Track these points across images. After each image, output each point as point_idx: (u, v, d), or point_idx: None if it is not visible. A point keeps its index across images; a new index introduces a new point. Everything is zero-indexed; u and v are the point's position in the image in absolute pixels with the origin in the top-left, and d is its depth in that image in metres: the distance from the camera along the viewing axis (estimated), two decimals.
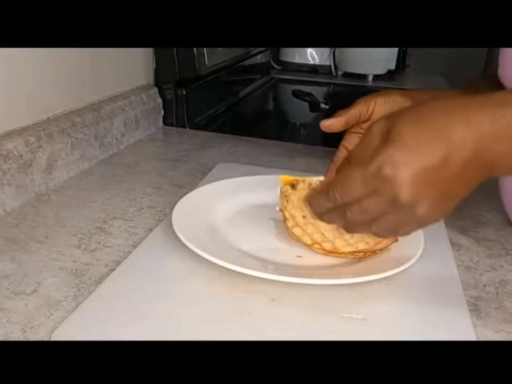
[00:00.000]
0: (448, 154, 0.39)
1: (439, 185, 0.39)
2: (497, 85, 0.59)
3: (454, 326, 0.43)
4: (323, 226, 0.49)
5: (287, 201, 0.51)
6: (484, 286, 0.50)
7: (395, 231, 0.43)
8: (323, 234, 0.50)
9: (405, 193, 0.39)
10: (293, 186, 0.51)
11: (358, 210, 0.41)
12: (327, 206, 0.43)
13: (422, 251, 0.50)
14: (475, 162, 0.39)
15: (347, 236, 0.49)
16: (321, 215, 0.45)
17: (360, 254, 0.50)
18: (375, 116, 0.55)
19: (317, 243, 0.50)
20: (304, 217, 0.50)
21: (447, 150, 0.39)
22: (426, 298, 0.46)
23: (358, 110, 0.55)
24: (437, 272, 0.50)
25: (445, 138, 0.39)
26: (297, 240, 0.52)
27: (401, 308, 0.45)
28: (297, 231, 0.51)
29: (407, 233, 0.43)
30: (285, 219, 0.52)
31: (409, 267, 0.48)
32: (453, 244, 0.57)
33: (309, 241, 0.50)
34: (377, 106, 0.55)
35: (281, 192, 0.52)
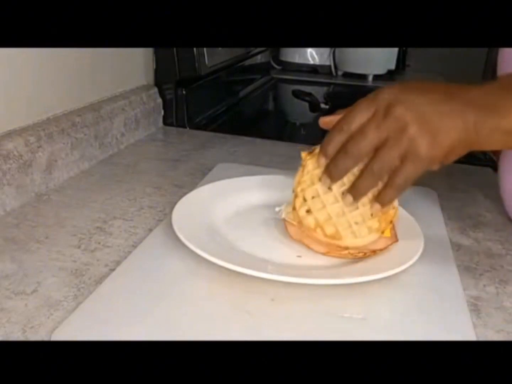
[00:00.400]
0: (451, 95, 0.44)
1: (434, 112, 0.43)
2: None
3: (454, 326, 0.43)
4: (330, 204, 0.50)
5: (303, 170, 0.52)
6: (484, 286, 0.50)
7: (394, 167, 0.44)
8: (329, 214, 0.50)
9: (398, 108, 0.43)
10: (310, 152, 0.52)
11: (360, 137, 0.45)
12: (336, 141, 0.47)
13: (422, 251, 0.50)
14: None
15: (351, 220, 0.49)
16: (332, 160, 0.48)
17: (360, 254, 0.50)
18: None
19: (320, 226, 0.50)
20: (313, 197, 0.50)
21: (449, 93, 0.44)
22: (426, 298, 0.46)
23: None
24: (437, 272, 0.50)
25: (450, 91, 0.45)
26: (297, 240, 0.52)
27: (401, 308, 0.45)
28: (302, 212, 0.50)
29: (407, 174, 0.44)
30: (295, 197, 0.51)
31: (409, 267, 0.48)
32: (453, 244, 0.57)
33: (312, 224, 0.50)
34: None
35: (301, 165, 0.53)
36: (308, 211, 0.50)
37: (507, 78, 0.48)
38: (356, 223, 0.49)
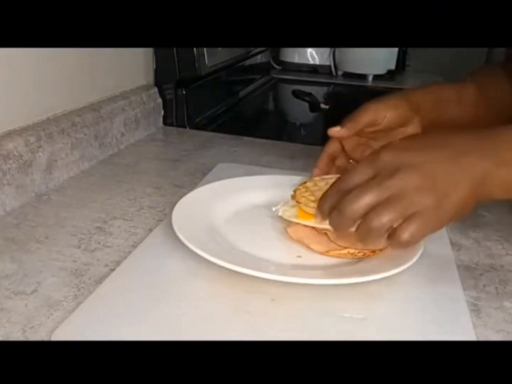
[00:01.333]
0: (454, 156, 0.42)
1: (436, 177, 0.41)
2: (498, 78, 0.60)
3: (454, 326, 0.43)
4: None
5: (302, 186, 0.52)
6: (484, 286, 0.50)
7: (390, 225, 0.41)
8: None
9: (403, 172, 0.41)
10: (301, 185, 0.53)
11: (356, 197, 0.41)
12: (332, 200, 0.44)
13: (422, 251, 0.50)
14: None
15: None
16: (327, 212, 0.45)
17: (360, 254, 0.50)
18: (383, 125, 0.57)
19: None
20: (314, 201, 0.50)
21: (453, 152, 0.42)
22: (426, 298, 0.46)
23: (368, 119, 0.57)
24: (437, 272, 0.50)
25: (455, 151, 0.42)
26: (296, 240, 0.52)
27: (401, 308, 0.45)
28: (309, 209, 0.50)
29: (412, 233, 0.41)
30: (296, 198, 0.51)
31: (409, 267, 0.48)
32: (453, 244, 0.57)
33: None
34: (387, 119, 0.57)
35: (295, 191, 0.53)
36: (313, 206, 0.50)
37: None
38: None
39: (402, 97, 0.59)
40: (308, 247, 0.51)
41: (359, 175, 0.43)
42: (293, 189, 0.53)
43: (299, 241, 0.52)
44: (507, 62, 0.64)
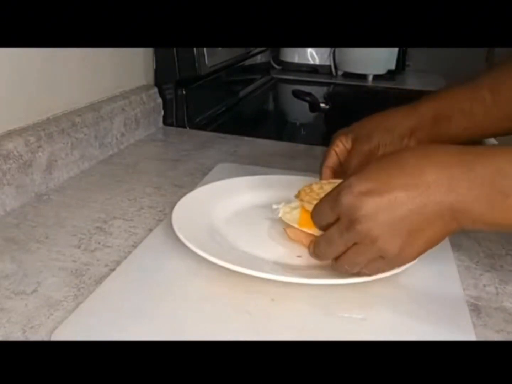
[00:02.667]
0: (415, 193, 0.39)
1: (399, 218, 0.40)
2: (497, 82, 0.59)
3: (454, 326, 0.43)
4: None
5: (307, 187, 0.52)
6: (484, 286, 0.50)
7: (360, 265, 0.43)
8: None
9: (362, 225, 0.40)
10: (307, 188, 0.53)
11: (327, 244, 0.44)
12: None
13: None
14: (443, 206, 0.39)
15: None
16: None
17: None
18: (352, 152, 0.57)
19: None
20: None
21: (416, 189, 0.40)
22: (426, 298, 0.46)
23: (334, 154, 0.58)
24: (437, 272, 0.50)
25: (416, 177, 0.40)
26: (296, 241, 0.52)
27: (401, 308, 0.45)
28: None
29: (375, 269, 0.44)
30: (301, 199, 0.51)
31: (409, 267, 0.48)
32: (453, 244, 0.57)
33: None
34: (348, 145, 0.58)
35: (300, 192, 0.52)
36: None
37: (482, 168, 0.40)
38: None
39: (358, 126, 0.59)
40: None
41: (324, 219, 0.44)
42: (298, 190, 0.53)
43: (299, 242, 0.52)
44: None
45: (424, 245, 0.41)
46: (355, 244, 0.42)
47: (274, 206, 0.54)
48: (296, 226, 0.51)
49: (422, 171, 0.40)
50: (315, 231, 0.48)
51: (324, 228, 0.44)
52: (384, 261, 0.42)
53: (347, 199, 0.41)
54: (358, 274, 0.44)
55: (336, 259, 0.44)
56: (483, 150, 0.41)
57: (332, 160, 0.59)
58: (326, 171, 0.58)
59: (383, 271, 0.44)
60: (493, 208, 0.38)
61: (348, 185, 0.42)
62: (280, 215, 0.53)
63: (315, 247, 0.45)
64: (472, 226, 0.41)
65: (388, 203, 0.39)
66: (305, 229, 0.50)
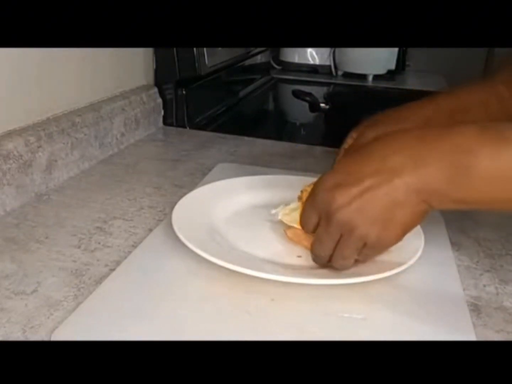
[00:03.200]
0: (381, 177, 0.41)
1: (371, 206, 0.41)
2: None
3: (454, 326, 0.43)
4: None
5: (309, 187, 0.51)
6: (484, 286, 0.50)
7: (351, 256, 0.45)
8: None
9: (338, 216, 0.42)
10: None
11: (318, 245, 0.46)
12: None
13: (422, 251, 0.50)
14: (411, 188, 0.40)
15: None
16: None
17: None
18: (358, 139, 0.57)
19: None
20: None
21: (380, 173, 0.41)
22: (426, 298, 0.46)
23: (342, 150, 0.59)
24: (437, 272, 0.50)
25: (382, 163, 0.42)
26: (296, 242, 0.52)
27: (401, 308, 0.45)
28: None
29: (366, 256, 0.46)
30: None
31: (409, 267, 0.48)
32: (453, 244, 0.57)
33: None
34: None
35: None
36: None
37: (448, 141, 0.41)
38: None
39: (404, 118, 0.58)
40: (308, 249, 0.51)
41: (310, 222, 0.46)
42: (301, 189, 0.53)
43: (299, 243, 0.52)
44: None
45: (400, 227, 0.43)
46: (340, 237, 0.43)
47: (273, 211, 0.54)
48: (296, 226, 0.51)
49: (387, 156, 0.42)
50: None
51: (313, 231, 0.46)
52: (369, 247, 0.44)
53: (321, 196, 0.43)
54: (355, 265, 0.46)
55: (330, 258, 0.46)
56: (443, 129, 0.42)
57: (350, 142, 0.59)
58: (341, 152, 0.59)
59: (372, 257, 0.46)
60: (456, 184, 0.40)
61: (320, 183, 0.44)
62: (279, 217, 0.53)
63: (311, 252, 0.47)
64: (441, 205, 0.42)
65: (358, 191, 0.41)
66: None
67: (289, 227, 0.53)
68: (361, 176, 0.42)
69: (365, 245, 0.43)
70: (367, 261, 0.46)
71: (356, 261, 0.46)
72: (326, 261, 0.46)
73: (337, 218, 0.42)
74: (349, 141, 0.59)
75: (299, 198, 0.52)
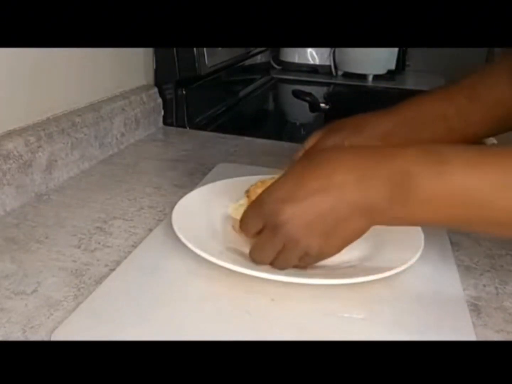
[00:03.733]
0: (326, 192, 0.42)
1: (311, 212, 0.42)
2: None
3: (454, 326, 0.43)
4: None
5: (261, 182, 0.54)
6: (484, 286, 0.50)
7: (293, 262, 0.45)
8: None
9: (284, 228, 0.43)
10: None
11: (258, 251, 0.46)
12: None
13: (422, 251, 0.50)
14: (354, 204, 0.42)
15: None
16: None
17: None
18: (317, 144, 0.60)
19: None
20: None
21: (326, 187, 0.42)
22: (426, 298, 0.46)
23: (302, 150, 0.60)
24: (437, 272, 0.50)
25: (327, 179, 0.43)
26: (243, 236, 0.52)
27: (401, 308, 0.45)
28: None
29: (307, 263, 0.46)
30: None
31: (409, 267, 0.48)
32: (453, 244, 0.57)
33: None
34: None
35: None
36: None
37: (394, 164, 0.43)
38: None
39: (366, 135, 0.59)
40: None
41: (253, 227, 0.46)
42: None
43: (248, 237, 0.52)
44: (505, 62, 0.62)
45: (342, 240, 0.44)
46: (284, 246, 0.44)
47: (229, 205, 0.54)
48: None
49: (333, 173, 0.43)
50: None
51: (254, 235, 0.47)
52: (310, 257, 0.45)
53: (268, 207, 0.44)
54: (297, 267, 0.46)
55: (272, 262, 0.46)
56: (390, 151, 0.44)
57: (299, 155, 0.60)
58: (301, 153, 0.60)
59: (313, 263, 0.47)
60: (396, 204, 0.41)
61: (268, 194, 0.45)
62: (230, 212, 0.54)
63: (250, 255, 0.47)
64: (384, 222, 0.44)
65: (303, 207, 0.43)
66: None
67: (238, 221, 0.53)
68: (307, 192, 0.43)
69: (306, 254, 0.44)
70: (307, 268, 0.47)
71: (296, 266, 0.46)
72: (265, 264, 0.47)
73: (283, 231, 0.43)
74: (310, 142, 0.60)
75: (246, 193, 0.53)
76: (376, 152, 0.44)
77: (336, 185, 0.42)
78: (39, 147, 0.63)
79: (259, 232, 0.46)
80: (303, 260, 0.45)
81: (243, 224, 0.47)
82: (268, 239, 0.45)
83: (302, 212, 0.43)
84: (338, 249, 0.45)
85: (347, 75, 1.70)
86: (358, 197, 0.42)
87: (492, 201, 0.39)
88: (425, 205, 0.41)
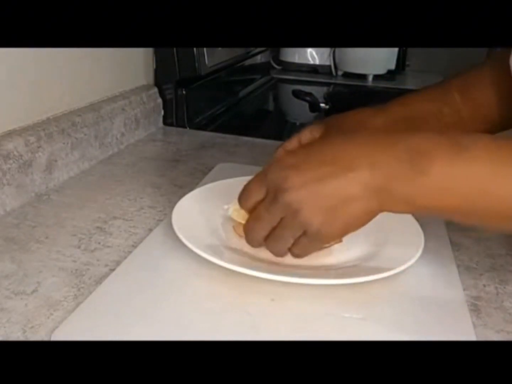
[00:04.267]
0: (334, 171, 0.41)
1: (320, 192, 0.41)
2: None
3: (454, 326, 0.43)
4: None
5: None
6: (484, 286, 0.50)
7: (288, 240, 0.44)
8: None
9: (286, 195, 0.41)
10: None
11: (255, 223, 0.44)
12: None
13: (422, 251, 0.50)
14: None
15: None
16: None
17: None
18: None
19: None
20: None
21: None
22: (426, 298, 0.46)
23: (296, 141, 0.60)
24: (437, 272, 0.50)
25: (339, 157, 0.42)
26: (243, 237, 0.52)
27: (401, 308, 0.45)
28: None
29: (303, 247, 0.44)
30: None
31: (409, 267, 0.48)
32: (453, 244, 0.57)
33: None
34: (317, 135, 0.58)
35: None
36: None
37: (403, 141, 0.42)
38: None
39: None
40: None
41: (253, 197, 0.44)
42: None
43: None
44: (492, 62, 0.62)
45: (343, 223, 0.42)
46: (281, 220, 0.42)
47: (225, 207, 0.54)
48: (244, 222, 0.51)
49: (347, 151, 0.42)
50: None
51: (250, 210, 0.45)
52: (307, 238, 0.43)
53: (275, 172, 0.42)
54: (292, 253, 0.45)
55: (266, 238, 0.44)
56: (405, 132, 0.42)
57: (292, 145, 0.58)
58: (281, 152, 0.58)
59: (309, 250, 0.45)
60: (411, 186, 0.40)
61: (277, 161, 0.43)
62: (229, 213, 0.53)
63: (244, 228, 0.46)
64: (393, 207, 0.42)
65: (314, 177, 0.41)
66: None
67: (239, 223, 0.52)
68: (320, 163, 0.41)
69: (304, 233, 0.42)
70: (301, 256, 0.45)
71: (290, 251, 0.45)
72: (260, 243, 0.45)
73: (286, 198, 0.41)
74: (293, 142, 0.59)
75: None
76: (391, 134, 0.43)
77: (348, 162, 0.41)
78: (39, 147, 0.63)
79: (256, 206, 0.44)
80: (299, 242, 0.43)
81: (243, 194, 0.45)
82: (266, 208, 0.43)
83: (308, 181, 0.41)
84: (339, 233, 0.43)
85: (347, 75, 1.70)
86: (370, 175, 0.40)
87: (505, 191, 0.38)
88: (437, 188, 0.39)
